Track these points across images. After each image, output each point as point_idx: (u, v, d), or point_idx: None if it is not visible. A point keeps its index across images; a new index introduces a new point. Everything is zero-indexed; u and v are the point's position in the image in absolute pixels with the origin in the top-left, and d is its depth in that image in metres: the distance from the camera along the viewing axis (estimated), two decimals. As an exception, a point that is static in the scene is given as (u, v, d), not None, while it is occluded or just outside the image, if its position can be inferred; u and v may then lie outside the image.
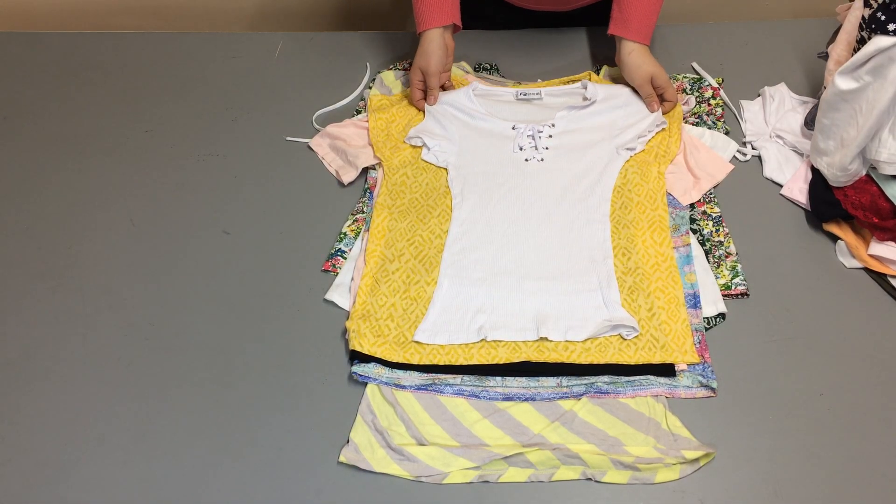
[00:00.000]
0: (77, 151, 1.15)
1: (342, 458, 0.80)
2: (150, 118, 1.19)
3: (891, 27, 0.88)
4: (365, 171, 1.08)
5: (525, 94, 1.12)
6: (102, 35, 1.35)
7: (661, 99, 1.07)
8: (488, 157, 1.05)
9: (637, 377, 0.84)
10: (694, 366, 0.85)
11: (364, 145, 1.10)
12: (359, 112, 1.17)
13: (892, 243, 0.91)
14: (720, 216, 0.99)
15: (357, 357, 0.87)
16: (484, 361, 0.86)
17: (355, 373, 0.86)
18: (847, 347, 0.87)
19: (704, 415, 0.82)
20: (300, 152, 1.13)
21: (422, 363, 0.86)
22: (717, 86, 1.14)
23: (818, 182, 0.98)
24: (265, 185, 1.09)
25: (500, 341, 0.87)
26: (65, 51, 1.32)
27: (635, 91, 1.09)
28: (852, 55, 0.92)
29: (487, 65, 1.21)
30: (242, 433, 0.84)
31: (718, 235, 0.97)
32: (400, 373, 0.86)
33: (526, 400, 0.84)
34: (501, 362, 0.86)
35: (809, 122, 1.05)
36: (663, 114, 1.07)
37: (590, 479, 0.78)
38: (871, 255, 0.92)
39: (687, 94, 1.14)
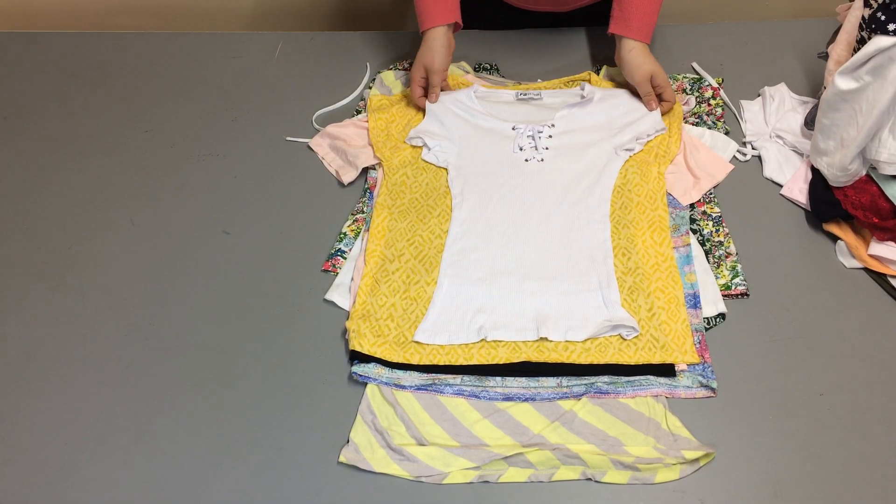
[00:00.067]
0: (77, 151, 1.15)
1: (342, 458, 0.80)
2: (150, 118, 1.19)
3: (891, 27, 0.88)
4: (365, 171, 1.08)
5: (525, 95, 1.12)
6: (102, 35, 1.35)
7: (660, 98, 1.07)
8: (488, 158, 1.05)
9: (637, 377, 0.84)
10: (694, 366, 0.85)
11: (364, 145, 1.10)
12: (359, 112, 1.17)
13: (892, 243, 0.91)
14: (720, 216, 0.99)
15: (357, 357, 0.87)
16: (484, 361, 0.86)
17: (355, 373, 0.86)
18: (847, 347, 0.87)
19: (704, 415, 0.82)
20: (300, 152, 1.13)
21: (422, 363, 0.86)
22: (717, 86, 1.14)
23: (818, 182, 0.98)
24: (265, 185, 1.09)
25: (500, 341, 0.87)
26: (65, 51, 1.32)
27: (634, 92, 1.09)
28: (852, 55, 0.92)
29: (487, 65, 1.21)
30: (242, 433, 0.84)
31: (718, 235, 0.97)
32: (400, 373, 0.86)
33: (526, 400, 0.84)
34: (501, 362, 0.86)
35: (809, 122, 1.05)
36: (662, 114, 1.07)
37: (590, 479, 0.78)
38: (871, 255, 0.92)
39: (687, 94, 1.14)
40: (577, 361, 0.85)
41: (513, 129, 1.07)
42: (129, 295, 0.97)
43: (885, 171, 0.91)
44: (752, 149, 1.07)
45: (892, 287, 0.91)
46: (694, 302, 0.90)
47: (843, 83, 0.88)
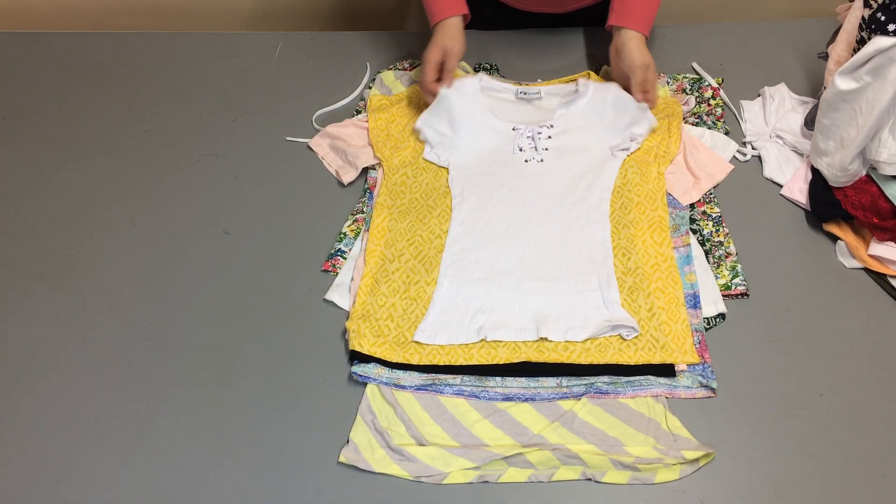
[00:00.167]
0: (77, 151, 1.15)
1: (342, 458, 0.80)
2: (150, 118, 1.19)
3: (891, 27, 0.88)
4: (365, 171, 1.08)
5: (525, 93, 1.12)
6: (102, 35, 1.35)
7: (644, 94, 1.04)
8: (488, 158, 1.05)
9: (637, 377, 0.84)
10: (694, 366, 0.85)
11: (364, 145, 1.10)
12: (359, 112, 1.17)
13: (892, 243, 0.91)
14: (720, 216, 0.99)
15: (357, 357, 0.87)
16: (484, 361, 0.86)
17: (355, 373, 0.86)
18: (847, 347, 0.87)
19: (704, 415, 0.82)
20: (300, 152, 1.13)
21: (422, 363, 0.86)
22: (717, 86, 1.14)
23: (818, 182, 0.98)
24: (265, 185, 1.09)
25: (499, 341, 0.87)
26: (65, 51, 1.32)
27: (623, 87, 1.07)
28: (852, 55, 0.92)
29: (487, 65, 1.21)
30: (242, 433, 0.84)
31: (718, 235, 0.97)
32: (400, 373, 0.86)
33: (526, 400, 0.84)
34: (501, 362, 0.86)
35: (809, 122, 1.05)
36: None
37: (590, 479, 0.78)
38: (871, 256, 0.92)
39: (687, 94, 1.14)
40: (577, 361, 0.85)
41: (513, 129, 1.07)
42: (129, 295, 0.97)
43: (885, 172, 0.91)
44: (752, 149, 1.07)
45: (892, 287, 0.91)
46: (694, 302, 0.90)
47: (843, 83, 0.88)
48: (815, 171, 0.98)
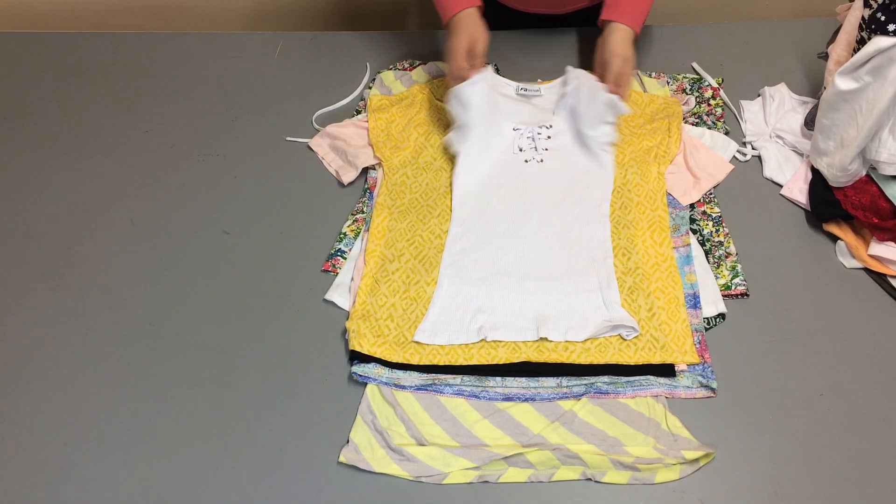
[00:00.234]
0: (77, 151, 1.15)
1: (342, 458, 0.80)
2: (150, 118, 1.19)
3: (891, 27, 0.88)
4: (365, 171, 1.08)
5: (525, 90, 1.12)
6: (102, 35, 1.35)
7: (616, 86, 1.02)
8: (491, 158, 1.05)
9: (637, 377, 0.84)
10: (694, 366, 0.85)
11: (364, 145, 1.10)
12: (359, 112, 1.17)
13: (892, 243, 0.91)
14: (720, 216, 0.99)
15: (357, 357, 0.87)
16: (484, 361, 0.86)
17: (355, 373, 0.86)
18: (847, 347, 0.87)
19: (704, 415, 0.82)
20: (300, 152, 1.13)
21: (422, 363, 0.86)
22: (717, 86, 1.14)
23: (818, 182, 0.98)
24: (265, 185, 1.09)
25: (499, 341, 0.87)
26: (65, 51, 1.32)
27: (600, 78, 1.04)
28: (852, 55, 0.92)
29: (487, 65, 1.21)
30: (242, 433, 0.84)
31: (718, 235, 0.97)
32: (400, 373, 0.86)
33: (526, 400, 0.84)
34: (501, 362, 0.86)
35: (809, 122, 1.05)
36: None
37: (590, 479, 0.78)
38: (871, 255, 0.92)
39: (687, 94, 1.14)
40: (577, 361, 0.85)
41: (514, 129, 1.07)
42: (129, 295, 0.97)
43: (885, 172, 0.91)
44: (752, 149, 1.07)
45: (892, 287, 0.91)
46: (694, 302, 0.90)
47: (843, 83, 0.88)
48: (815, 171, 0.98)
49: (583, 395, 0.84)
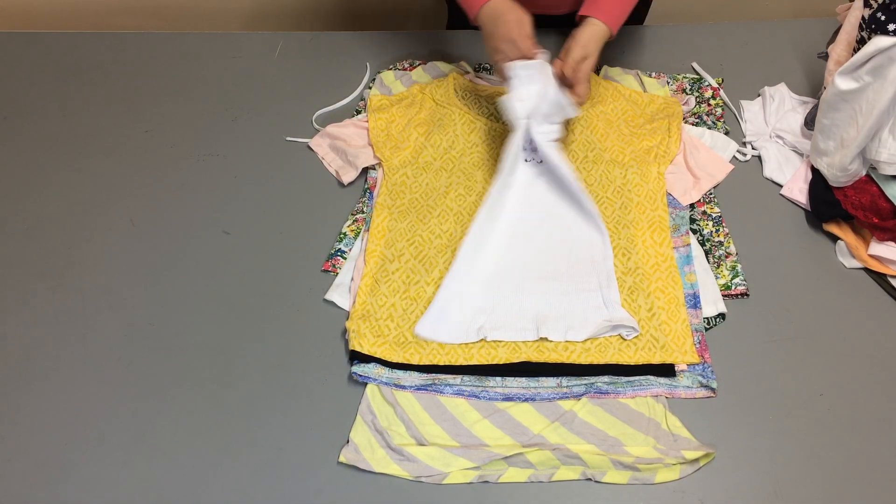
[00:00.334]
0: (77, 151, 1.15)
1: (342, 458, 0.80)
2: (150, 118, 1.19)
3: (891, 27, 0.88)
4: (365, 171, 1.08)
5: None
6: (102, 35, 1.35)
7: (572, 86, 0.98)
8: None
9: (637, 377, 0.84)
10: (694, 366, 0.85)
11: (364, 145, 1.10)
12: (359, 112, 1.17)
13: (892, 243, 0.91)
14: (720, 216, 0.99)
15: (357, 357, 0.87)
16: (484, 361, 0.86)
17: (355, 373, 0.86)
18: (847, 347, 0.87)
19: (704, 415, 0.82)
20: (300, 152, 1.13)
21: (422, 363, 0.86)
22: (717, 86, 1.14)
23: (818, 182, 0.98)
24: (265, 185, 1.09)
25: (499, 341, 0.87)
26: (65, 51, 1.32)
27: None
28: (852, 55, 0.92)
29: (488, 65, 1.21)
30: (242, 433, 0.84)
31: (718, 235, 0.97)
32: (400, 373, 0.86)
33: (526, 400, 0.84)
34: (501, 362, 0.86)
35: (809, 122, 1.05)
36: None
37: (590, 479, 0.78)
38: (871, 255, 0.92)
39: (687, 94, 1.14)
40: (577, 361, 0.85)
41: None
42: (129, 295, 0.97)
43: (885, 171, 0.91)
44: (752, 149, 1.07)
45: (892, 287, 0.91)
46: (694, 302, 0.90)
47: (843, 83, 0.88)
48: (815, 171, 0.98)
49: (583, 395, 0.84)
